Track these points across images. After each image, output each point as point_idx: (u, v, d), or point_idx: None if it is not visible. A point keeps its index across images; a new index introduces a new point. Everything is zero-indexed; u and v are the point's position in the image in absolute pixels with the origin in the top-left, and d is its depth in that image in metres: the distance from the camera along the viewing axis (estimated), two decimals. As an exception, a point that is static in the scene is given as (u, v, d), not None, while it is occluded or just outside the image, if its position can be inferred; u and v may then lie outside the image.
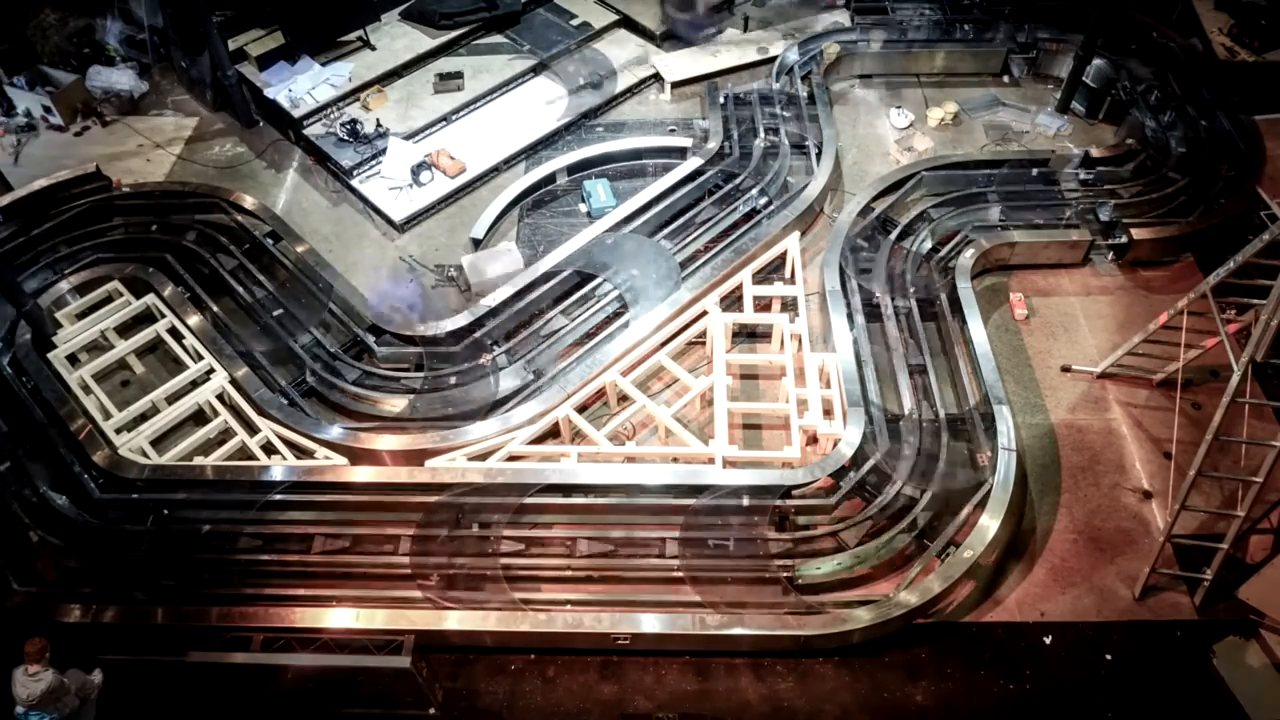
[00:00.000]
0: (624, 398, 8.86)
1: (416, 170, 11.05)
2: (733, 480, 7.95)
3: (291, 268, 9.99)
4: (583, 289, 9.79)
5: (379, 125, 11.61)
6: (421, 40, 12.75)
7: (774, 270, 10.04)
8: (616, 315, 9.63)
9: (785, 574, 7.52)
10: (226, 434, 8.75)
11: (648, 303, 9.40)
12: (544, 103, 12.19)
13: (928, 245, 10.06)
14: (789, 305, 9.60)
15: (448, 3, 12.86)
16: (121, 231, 10.44)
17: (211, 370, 9.13)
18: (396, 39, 12.78)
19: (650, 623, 7.26)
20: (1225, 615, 7.52)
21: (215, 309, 9.69)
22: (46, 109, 12.14)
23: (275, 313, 9.57)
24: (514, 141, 11.67)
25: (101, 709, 7.02)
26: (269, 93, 11.81)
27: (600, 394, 9.00)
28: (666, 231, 10.31)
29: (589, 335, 9.44)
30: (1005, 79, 12.52)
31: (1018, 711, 7.17)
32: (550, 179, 11.27)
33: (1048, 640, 7.49)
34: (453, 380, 9.05)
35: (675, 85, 11.36)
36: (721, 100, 11.75)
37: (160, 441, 8.78)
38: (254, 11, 12.13)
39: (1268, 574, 7.01)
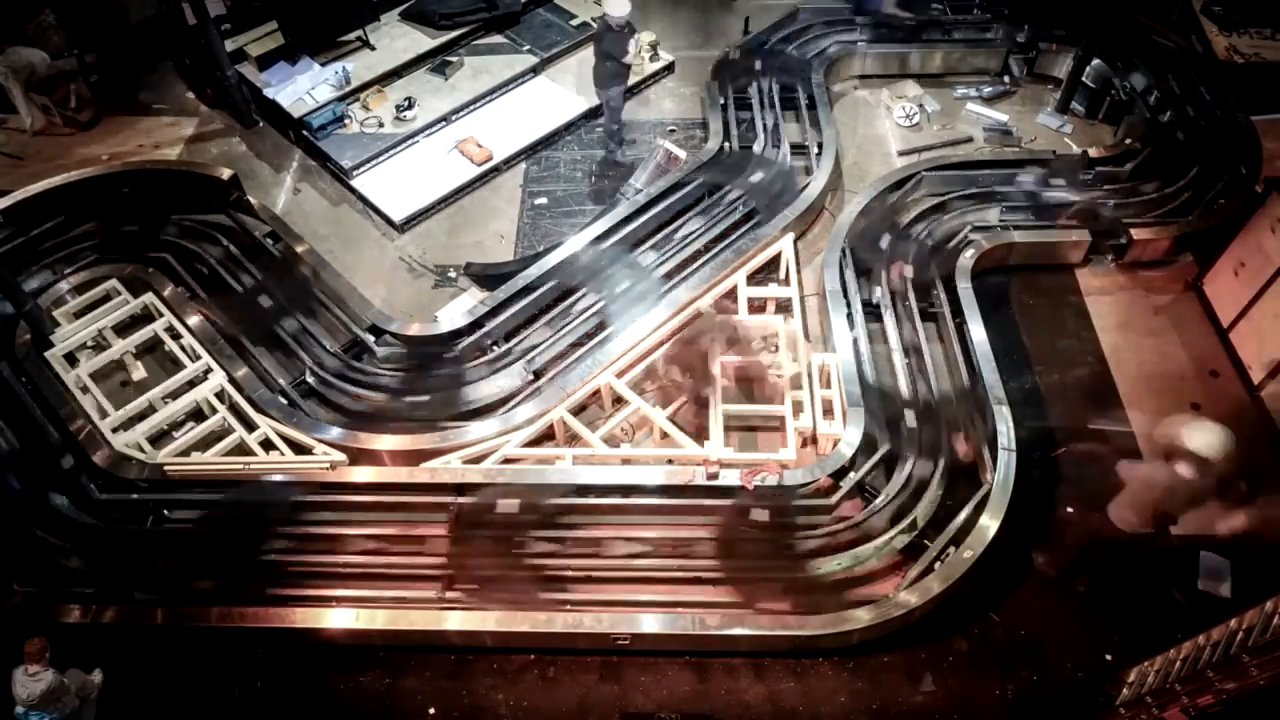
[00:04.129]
0: (619, 400, 8.85)
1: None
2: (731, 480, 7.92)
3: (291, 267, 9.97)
4: (578, 293, 9.72)
5: (380, 124, 11.66)
6: (421, 40, 12.74)
7: (770, 271, 10.02)
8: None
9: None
10: (225, 432, 8.73)
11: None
12: (544, 103, 12.19)
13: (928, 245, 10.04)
14: (783, 306, 9.59)
15: (448, 3, 12.85)
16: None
17: (209, 370, 9.12)
18: (396, 39, 12.77)
19: (650, 623, 7.26)
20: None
21: (214, 309, 9.64)
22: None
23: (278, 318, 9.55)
24: (515, 141, 11.66)
25: (101, 709, 7.02)
26: (268, 93, 11.80)
27: (595, 395, 8.98)
28: (663, 233, 10.28)
29: (588, 336, 9.40)
30: (1005, 79, 12.51)
31: (1018, 711, 7.17)
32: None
33: (1045, 640, 7.50)
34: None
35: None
36: (721, 101, 11.75)
37: (157, 440, 8.76)
38: (250, 12, 12.12)
39: None
